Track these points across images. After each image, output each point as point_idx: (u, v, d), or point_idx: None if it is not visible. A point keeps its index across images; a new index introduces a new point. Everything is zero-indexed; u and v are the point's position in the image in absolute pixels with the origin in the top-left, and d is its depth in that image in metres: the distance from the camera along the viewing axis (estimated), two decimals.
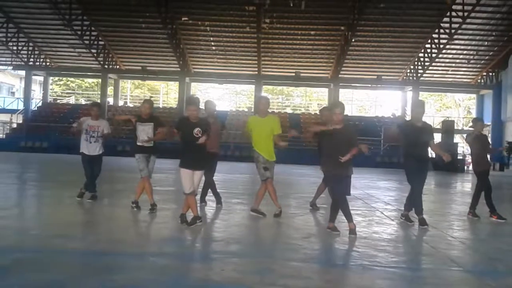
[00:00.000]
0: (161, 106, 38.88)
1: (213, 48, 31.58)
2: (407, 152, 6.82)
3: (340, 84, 32.98)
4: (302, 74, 32.37)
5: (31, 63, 33.74)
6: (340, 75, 32.19)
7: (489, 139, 9.19)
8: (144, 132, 7.01)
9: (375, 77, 32.34)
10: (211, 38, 30.55)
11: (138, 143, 7.04)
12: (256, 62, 32.06)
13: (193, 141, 5.88)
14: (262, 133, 6.95)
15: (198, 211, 6.21)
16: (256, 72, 32.90)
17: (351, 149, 5.81)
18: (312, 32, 29.13)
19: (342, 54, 30.02)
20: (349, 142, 5.86)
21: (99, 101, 32.00)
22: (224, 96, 49.62)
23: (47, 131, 29.89)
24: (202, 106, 7.09)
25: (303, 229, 6.30)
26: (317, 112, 36.05)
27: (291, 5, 25.94)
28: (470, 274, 4.42)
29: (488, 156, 8.23)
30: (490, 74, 32.82)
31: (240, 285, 3.74)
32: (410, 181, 6.84)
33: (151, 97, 40.11)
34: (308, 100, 47.10)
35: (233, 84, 42.56)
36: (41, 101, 36.79)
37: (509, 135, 29.75)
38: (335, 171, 5.94)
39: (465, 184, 17.78)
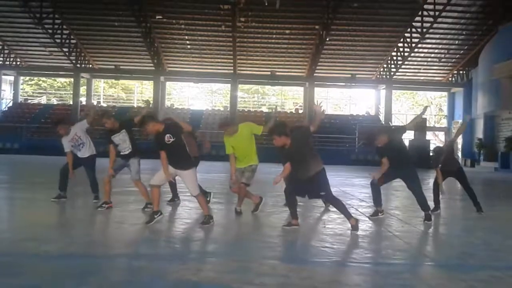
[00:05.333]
0: (135, 106, 38.44)
1: (188, 47, 31.35)
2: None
3: (315, 83, 33.20)
4: (277, 73, 32.47)
5: (0, 62, 32.90)
6: (315, 74, 32.41)
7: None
8: (122, 141, 7.24)
9: (349, 75, 32.70)
10: (186, 37, 30.33)
11: (121, 153, 7.35)
12: (231, 61, 31.94)
13: (168, 147, 6.14)
14: (240, 144, 7.05)
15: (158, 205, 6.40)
16: (232, 71, 32.80)
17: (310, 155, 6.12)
18: (287, 31, 29.24)
19: (317, 53, 30.23)
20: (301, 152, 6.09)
21: (71, 101, 31.48)
22: (199, 95, 49.32)
23: (18, 131, 29.24)
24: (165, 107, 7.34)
25: (279, 227, 6.33)
26: (293, 111, 36.26)
27: (266, 4, 26.01)
28: (443, 269, 4.51)
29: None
30: (461, 72, 33.50)
31: (217, 285, 3.73)
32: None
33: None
34: (284, 98, 47.22)
35: (208, 83, 42.32)
36: (11, 101, 35.94)
37: (479, 132, 30.48)
38: (298, 176, 6.15)
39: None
